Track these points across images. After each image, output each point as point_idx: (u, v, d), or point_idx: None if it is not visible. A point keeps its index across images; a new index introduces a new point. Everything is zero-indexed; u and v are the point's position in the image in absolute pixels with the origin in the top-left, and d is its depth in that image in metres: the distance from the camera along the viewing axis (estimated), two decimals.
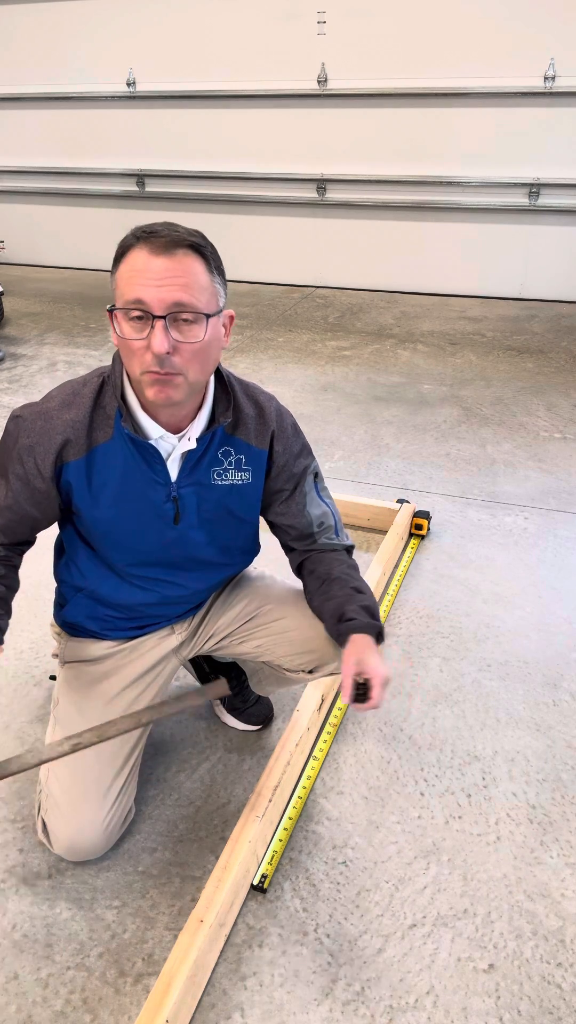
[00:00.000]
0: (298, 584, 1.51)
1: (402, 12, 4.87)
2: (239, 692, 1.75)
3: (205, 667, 1.76)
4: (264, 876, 1.39)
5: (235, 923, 1.34)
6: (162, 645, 1.50)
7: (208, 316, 1.12)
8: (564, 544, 2.48)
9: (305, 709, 1.66)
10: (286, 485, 1.40)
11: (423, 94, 5.03)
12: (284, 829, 1.49)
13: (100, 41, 5.60)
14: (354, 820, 1.53)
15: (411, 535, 2.50)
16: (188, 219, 5.84)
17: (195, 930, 1.21)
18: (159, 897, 1.39)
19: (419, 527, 2.49)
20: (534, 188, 5.06)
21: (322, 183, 5.52)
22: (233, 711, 1.75)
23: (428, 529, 2.50)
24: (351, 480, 2.89)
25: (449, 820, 1.54)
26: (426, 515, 2.50)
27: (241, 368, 4.09)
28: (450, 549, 2.45)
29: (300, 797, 1.56)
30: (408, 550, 2.43)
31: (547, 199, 5.09)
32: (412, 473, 2.94)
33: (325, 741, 1.70)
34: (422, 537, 2.50)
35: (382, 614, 2.12)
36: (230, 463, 1.33)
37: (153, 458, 1.26)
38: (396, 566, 2.35)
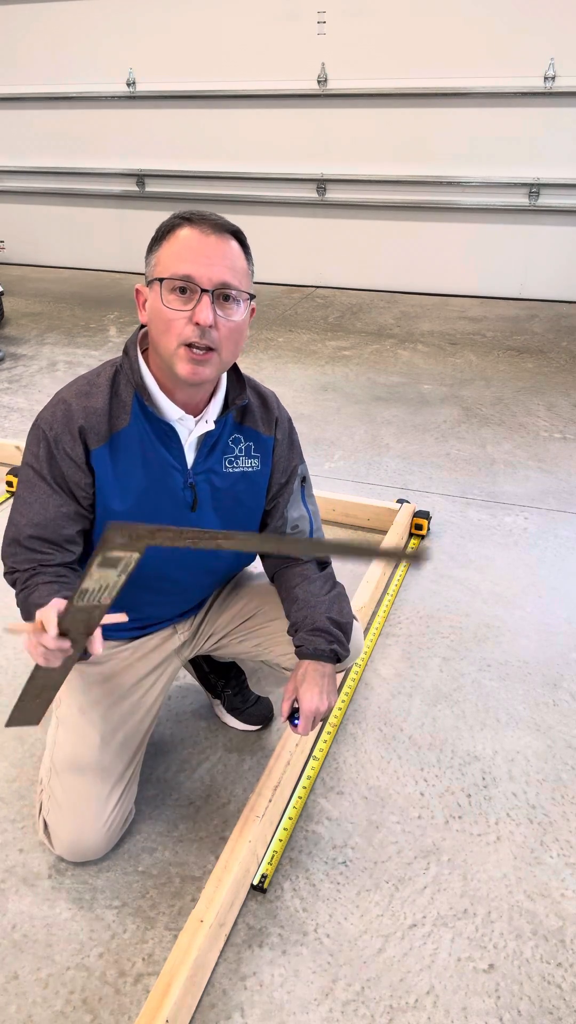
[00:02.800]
0: None
1: (402, 12, 4.87)
2: (239, 692, 1.75)
3: (204, 667, 1.76)
4: (264, 876, 1.39)
5: (235, 923, 1.33)
6: (165, 646, 1.50)
7: (250, 296, 1.20)
8: (564, 544, 2.48)
9: None
10: (280, 478, 1.42)
11: (423, 94, 5.03)
12: (284, 829, 1.49)
13: (100, 41, 5.60)
14: (354, 820, 1.53)
15: (411, 535, 2.50)
16: None
17: (195, 930, 1.21)
18: (159, 897, 1.38)
19: (419, 527, 2.49)
20: (534, 188, 5.06)
21: (322, 183, 5.51)
22: (233, 711, 1.74)
23: (428, 529, 2.50)
24: (351, 480, 2.89)
25: (449, 820, 1.54)
26: (426, 515, 2.50)
27: (241, 368, 4.08)
28: (450, 549, 2.45)
29: (300, 797, 1.56)
30: (408, 550, 2.43)
31: (547, 199, 5.09)
32: (412, 473, 2.94)
33: (325, 741, 1.70)
34: (422, 537, 2.50)
35: (382, 614, 2.12)
36: (241, 450, 1.35)
37: (172, 441, 1.27)
38: (396, 566, 2.35)
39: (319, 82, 5.22)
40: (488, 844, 1.49)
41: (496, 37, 4.77)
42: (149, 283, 1.18)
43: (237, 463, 1.35)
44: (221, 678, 1.75)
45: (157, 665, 1.49)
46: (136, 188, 5.98)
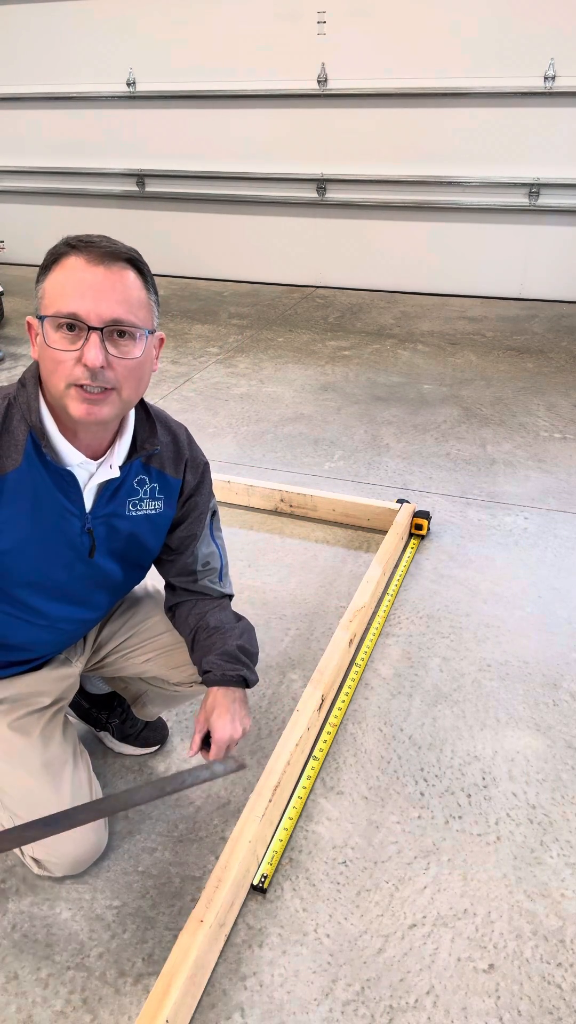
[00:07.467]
0: None
1: (402, 12, 4.87)
2: (125, 719, 1.68)
3: (84, 703, 1.72)
4: (264, 876, 1.39)
5: (235, 923, 1.33)
6: (63, 671, 1.43)
7: (148, 332, 1.09)
8: (564, 544, 2.48)
9: (305, 709, 1.66)
10: (187, 516, 1.36)
11: (423, 94, 5.03)
12: (284, 829, 1.49)
13: (100, 41, 5.60)
14: (354, 820, 1.53)
15: (411, 535, 2.50)
16: (188, 219, 5.85)
17: (195, 930, 1.21)
18: (159, 897, 1.38)
19: (419, 527, 2.49)
20: (534, 188, 5.06)
21: (322, 183, 5.52)
22: (125, 738, 1.69)
23: (428, 529, 2.50)
24: (351, 480, 2.89)
25: (449, 820, 1.54)
26: (426, 515, 2.50)
27: (241, 368, 4.09)
28: (450, 549, 2.45)
29: (300, 797, 1.56)
30: (408, 550, 2.43)
31: (547, 199, 5.09)
32: (412, 473, 2.94)
33: (325, 741, 1.70)
34: (422, 537, 2.50)
35: (382, 614, 2.12)
36: (146, 492, 1.27)
37: (70, 487, 1.18)
38: (396, 566, 2.35)
39: (319, 82, 5.22)
40: (488, 844, 1.49)
41: (496, 37, 4.77)
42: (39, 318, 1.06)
43: (141, 506, 1.27)
44: (104, 710, 1.70)
45: (61, 695, 1.41)
46: (136, 188, 5.98)
